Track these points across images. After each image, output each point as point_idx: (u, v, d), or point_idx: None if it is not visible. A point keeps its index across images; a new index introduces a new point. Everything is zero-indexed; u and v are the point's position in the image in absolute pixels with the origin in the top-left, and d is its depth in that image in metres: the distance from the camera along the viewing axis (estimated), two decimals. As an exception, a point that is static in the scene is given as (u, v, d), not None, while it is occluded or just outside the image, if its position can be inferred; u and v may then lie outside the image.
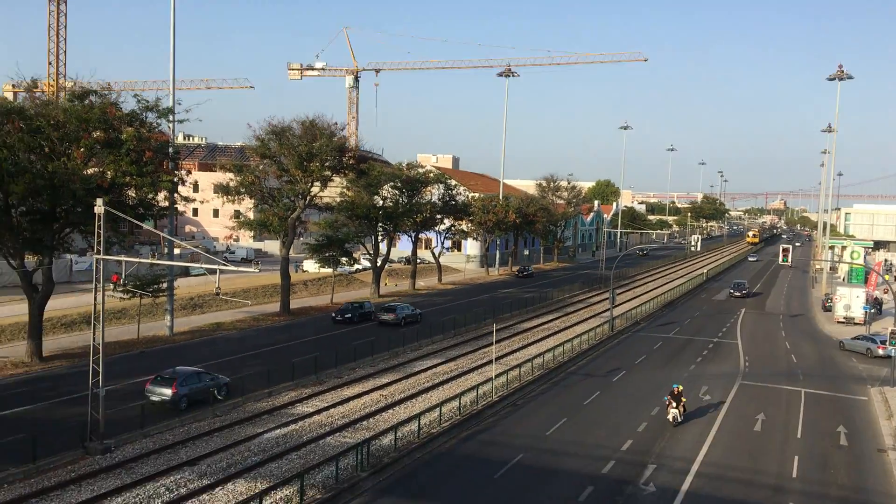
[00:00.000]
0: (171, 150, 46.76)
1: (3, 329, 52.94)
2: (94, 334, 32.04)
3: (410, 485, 29.71)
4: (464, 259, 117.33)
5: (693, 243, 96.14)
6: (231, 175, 66.96)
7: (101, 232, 30.92)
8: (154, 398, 37.30)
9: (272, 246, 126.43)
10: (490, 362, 51.41)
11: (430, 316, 69.05)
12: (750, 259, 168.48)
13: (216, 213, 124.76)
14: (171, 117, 46.52)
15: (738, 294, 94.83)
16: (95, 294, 32.03)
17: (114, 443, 32.04)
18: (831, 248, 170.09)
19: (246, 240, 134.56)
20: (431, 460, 32.60)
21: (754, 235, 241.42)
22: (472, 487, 29.47)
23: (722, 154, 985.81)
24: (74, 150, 42.00)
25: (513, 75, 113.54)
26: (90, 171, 43.65)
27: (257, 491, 27.78)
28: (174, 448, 32.36)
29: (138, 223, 41.02)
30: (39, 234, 44.65)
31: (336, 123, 65.27)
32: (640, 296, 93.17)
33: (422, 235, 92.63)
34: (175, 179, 47.22)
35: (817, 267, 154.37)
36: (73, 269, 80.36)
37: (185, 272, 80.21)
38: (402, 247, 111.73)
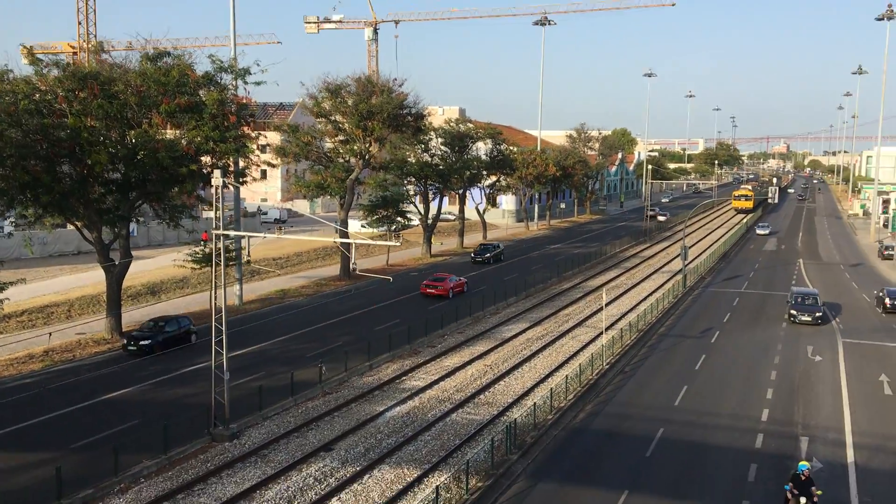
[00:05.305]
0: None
1: (72, 303, 51.11)
2: (213, 315, 30.16)
3: (563, 467, 28.07)
4: (500, 215, 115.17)
5: (771, 195, 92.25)
6: (286, 136, 64.46)
7: (220, 205, 28.80)
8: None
9: (301, 206, 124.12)
10: (578, 325, 49.94)
11: (491, 275, 67.28)
12: (759, 232, 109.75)
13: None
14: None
15: (806, 318, 51.50)
16: (214, 271, 30.06)
17: (237, 427, 30.44)
18: (857, 192, 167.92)
19: (273, 200, 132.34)
20: (570, 438, 30.94)
21: (745, 197, 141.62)
22: (630, 469, 27.82)
23: (726, 100, 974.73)
24: (154, 116, 39.57)
25: (549, 24, 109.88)
26: (168, 137, 41.30)
27: (411, 479, 26.34)
28: (301, 431, 30.75)
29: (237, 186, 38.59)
30: (115, 204, 42.57)
31: (395, 80, 62.62)
32: (688, 248, 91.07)
33: (455, 192, 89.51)
34: (258, 144, 44.88)
35: (850, 212, 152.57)
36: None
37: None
38: (435, 205, 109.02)
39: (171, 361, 39.57)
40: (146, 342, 40.64)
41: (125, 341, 41.07)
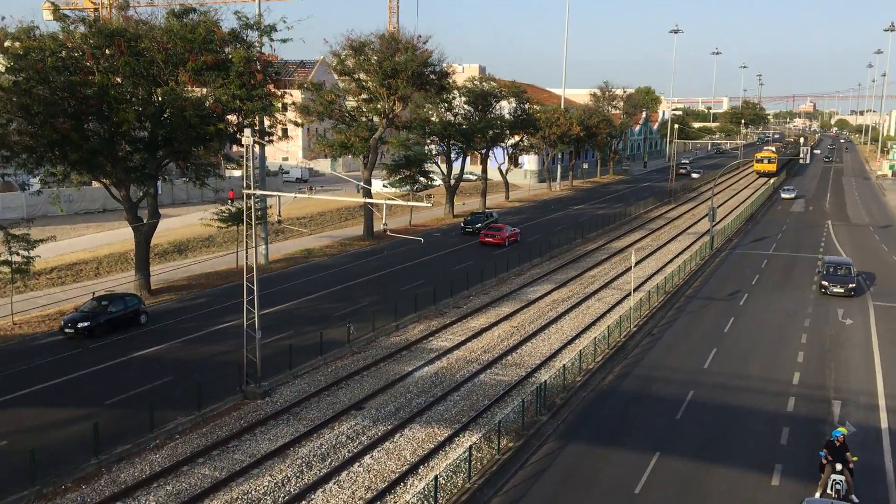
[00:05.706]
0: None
1: (100, 261, 51.48)
2: (245, 275, 30.17)
3: (592, 428, 28.09)
4: (522, 175, 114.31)
5: (803, 154, 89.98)
6: (308, 94, 64.01)
7: (250, 164, 28.63)
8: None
9: (323, 164, 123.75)
10: (604, 287, 49.66)
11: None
12: (784, 196, 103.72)
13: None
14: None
15: (838, 289, 47.76)
16: (246, 230, 30.05)
17: (268, 385, 30.67)
18: (886, 152, 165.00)
19: (295, 159, 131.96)
20: (599, 400, 30.93)
21: (769, 159, 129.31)
22: (660, 431, 27.79)
23: (752, 57, 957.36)
24: (181, 73, 39.31)
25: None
26: (194, 95, 41.08)
27: (442, 438, 26.46)
28: (331, 390, 30.95)
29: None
30: (143, 163, 42.61)
31: (419, 37, 61.76)
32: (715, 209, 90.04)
33: (477, 152, 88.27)
34: (284, 102, 44.59)
35: (879, 173, 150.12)
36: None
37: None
38: (457, 165, 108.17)
39: (202, 320, 39.82)
40: (85, 324, 35.90)
41: (61, 324, 36.43)
